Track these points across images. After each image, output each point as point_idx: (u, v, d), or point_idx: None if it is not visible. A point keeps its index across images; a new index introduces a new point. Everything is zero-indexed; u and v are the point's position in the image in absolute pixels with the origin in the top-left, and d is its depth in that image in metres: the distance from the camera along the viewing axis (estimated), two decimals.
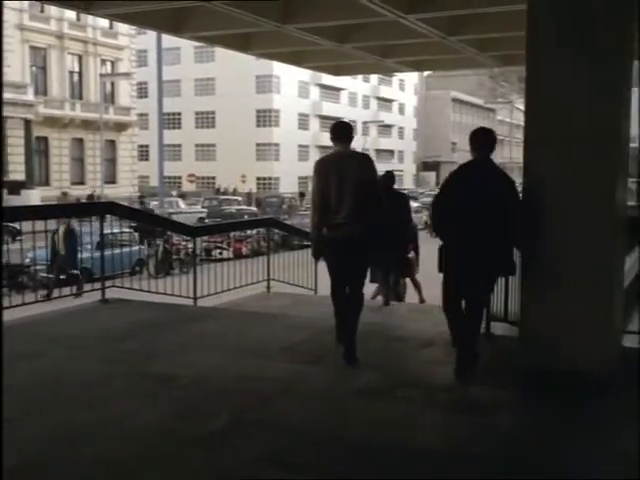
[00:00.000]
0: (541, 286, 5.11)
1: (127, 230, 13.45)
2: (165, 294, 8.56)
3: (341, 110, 57.71)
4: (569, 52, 4.95)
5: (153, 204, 29.44)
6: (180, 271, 14.88)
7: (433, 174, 76.55)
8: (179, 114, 57.47)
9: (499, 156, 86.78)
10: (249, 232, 18.06)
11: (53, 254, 13.82)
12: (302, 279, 10.62)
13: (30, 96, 33.57)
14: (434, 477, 3.48)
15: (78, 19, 37.82)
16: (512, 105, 66.72)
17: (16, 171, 33.42)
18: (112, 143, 40.65)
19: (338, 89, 61.78)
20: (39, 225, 7.20)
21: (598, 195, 4.93)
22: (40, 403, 4.41)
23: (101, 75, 38.49)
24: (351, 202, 5.25)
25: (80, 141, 39.28)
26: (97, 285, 7.82)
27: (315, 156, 44.32)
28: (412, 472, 3.53)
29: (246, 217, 28.36)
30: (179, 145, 57.35)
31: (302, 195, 42.14)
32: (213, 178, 55.80)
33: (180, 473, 3.51)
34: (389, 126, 71.34)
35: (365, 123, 59.96)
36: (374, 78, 65.61)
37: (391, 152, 71.36)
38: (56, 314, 7.07)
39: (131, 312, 7.21)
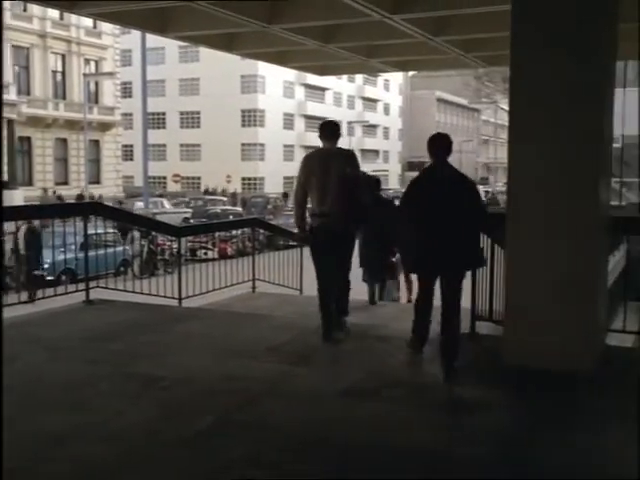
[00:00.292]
0: (525, 285, 5.16)
1: (111, 231, 13.31)
2: (150, 295, 8.52)
3: (326, 110, 57.62)
4: (553, 53, 5.00)
5: (138, 205, 29.29)
6: (165, 271, 14.80)
7: None
8: (164, 114, 57.20)
9: (484, 156, 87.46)
10: (234, 232, 18.02)
11: (16, 256, 13.27)
12: (287, 279, 10.61)
13: (13, 95, 33.22)
14: (420, 477, 3.48)
15: (61, 18, 37.47)
16: (497, 105, 66.99)
17: None
18: (96, 143, 40.33)
19: (323, 89, 61.76)
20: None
21: (581, 194, 4.98)
22: (23, 405, 4.35)
23: (85, 75, 38.11)
24: (335, 194, 5.58)
25: (64, 141, 38.96)
26: (81, 286, 7.76)
27: (300, 156, 43.93)
28: (398, 472, 3.53)
29: (231, 217, 28.33)
30: (164, 145, 57.10)
31: (286, 195, 42.04)
32: (198, 178, 55.61)
33: (165, 474, 3.50)
34: (374, 126, 71.38)
35: (350, 123, 59.99)
36: (359, 78, 65.59)
37: (376, 152, 71.39)
38: (40, 315, 7.00)
39: (116, 313, 7.17)
